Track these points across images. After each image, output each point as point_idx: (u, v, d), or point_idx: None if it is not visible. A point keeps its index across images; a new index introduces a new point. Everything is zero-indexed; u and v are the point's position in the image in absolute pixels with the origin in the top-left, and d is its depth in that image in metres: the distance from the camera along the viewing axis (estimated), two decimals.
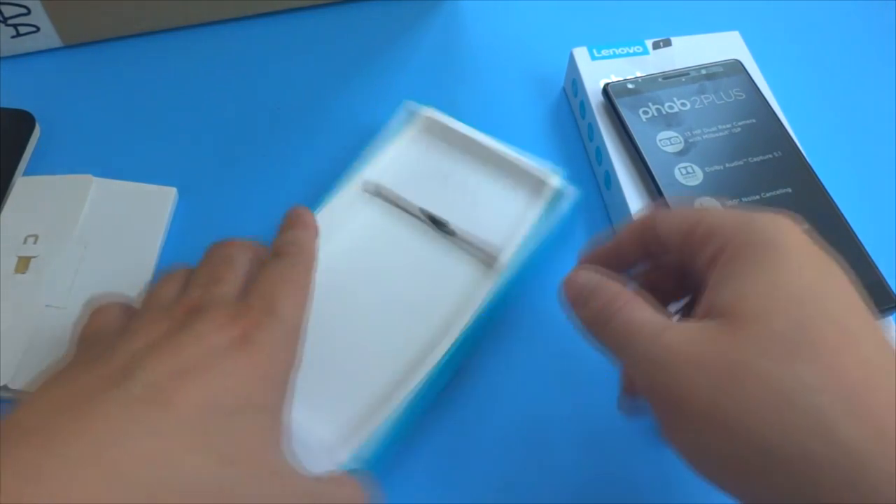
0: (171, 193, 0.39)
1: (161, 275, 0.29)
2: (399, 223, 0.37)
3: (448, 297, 0.34)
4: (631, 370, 0.24)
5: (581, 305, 0.26)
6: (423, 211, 0.36)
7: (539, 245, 0.35)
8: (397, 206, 0.37)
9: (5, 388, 0.32)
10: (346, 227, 0.36)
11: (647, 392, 0.24)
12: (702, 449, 0.22)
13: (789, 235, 0.23)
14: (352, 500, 0.26)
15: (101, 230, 0.37)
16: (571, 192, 0.37)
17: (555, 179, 0.37)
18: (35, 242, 0.36)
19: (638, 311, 0.24)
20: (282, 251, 0.29)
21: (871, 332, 0.22)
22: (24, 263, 0.35)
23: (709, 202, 0.36)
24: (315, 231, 0.31)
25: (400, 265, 0.35)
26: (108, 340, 0.25)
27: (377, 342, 0.33)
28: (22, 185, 0.38)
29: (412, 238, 0.36)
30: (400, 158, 0.38)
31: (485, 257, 0.35)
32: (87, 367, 0.23)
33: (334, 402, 0.31)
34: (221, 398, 0.22)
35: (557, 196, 0.37)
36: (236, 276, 0.27)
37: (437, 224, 0.36)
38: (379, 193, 0.38)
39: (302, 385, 0.27)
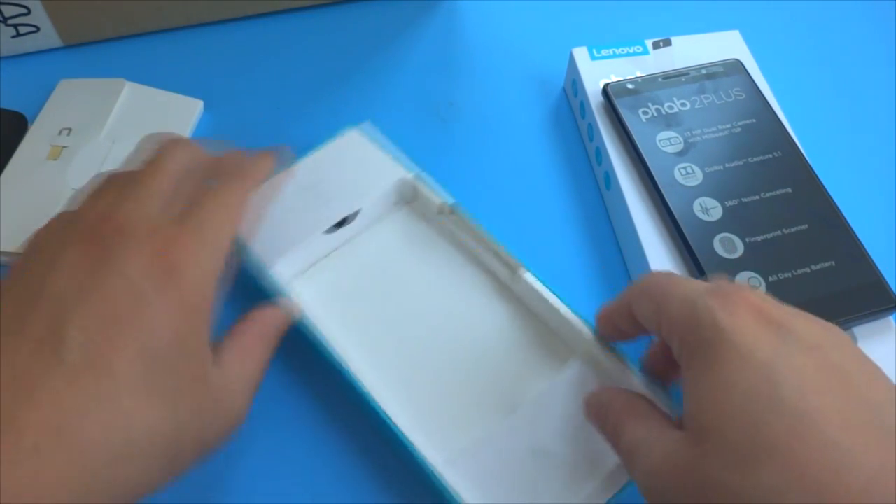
0: (197, 105, 0.43)
1: (101, 176, 0.28)
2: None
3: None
4: (637, 484, 0.25)
5: (600, 426, 0.28)
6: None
7: None
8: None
9: None
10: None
11: (649, 500, 0.24)
12: None
13: (735, 322, 0.22)
14: (256, 356, 0.28)
15: (129, 129, 0.41)
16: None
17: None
18: (68, 134, 0.40)
19: (636, 428, 0.25)
20: (229, 169, 0.30)
21: (830, 405, 0.20)
22: (56, 151, 0.39)
23: (709, 202, 0.36)
24: (271, 161, 0.32)
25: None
26: (35, 269, 0.24)
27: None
28: (62, 85, 0.43)
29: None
30: None
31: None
32: (17, 323, 0.23)
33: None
34: (154, 344, 0.23)
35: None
36: (169, 186, 0.28)
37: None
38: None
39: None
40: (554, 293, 0.33)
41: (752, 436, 0.20)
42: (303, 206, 0.36)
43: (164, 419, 0.23)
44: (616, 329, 0.30)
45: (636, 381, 0.30)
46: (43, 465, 0.20)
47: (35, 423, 0.21)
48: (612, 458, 0.28)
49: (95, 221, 0.25)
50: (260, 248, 0.35)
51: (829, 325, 0.24)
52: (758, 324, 0.22)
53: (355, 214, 0.36)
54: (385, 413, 0.30)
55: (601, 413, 0.27)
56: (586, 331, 0.32)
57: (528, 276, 0.34)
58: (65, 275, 0.24)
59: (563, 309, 0.32)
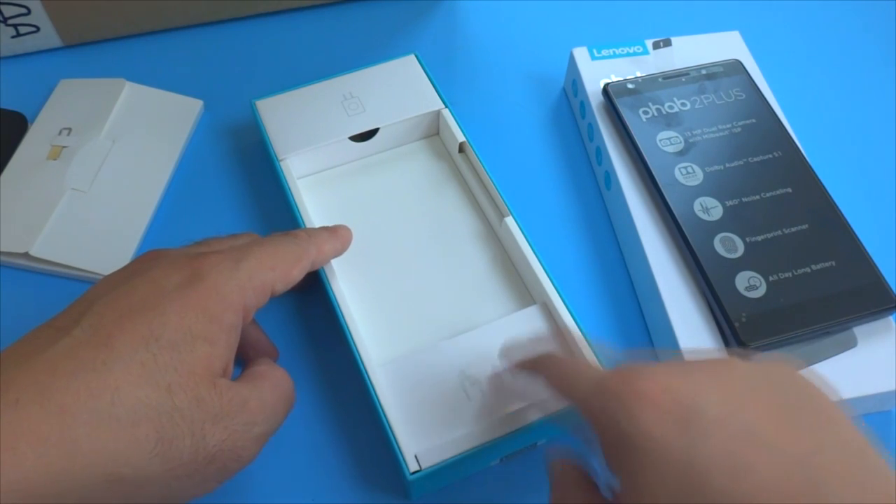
0: (197, 105, 0.43)
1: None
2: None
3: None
4: None
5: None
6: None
7: None
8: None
9: (27, 255, 0.36)
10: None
11: None
12: None
13: (640, 428, 0.21)
14: (283, 388, 0.28)
15: (129, 129, 0.41)
16: None
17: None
18: (68, 134, 0.40)
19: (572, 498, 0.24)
20: (293, 232, 0.31)
21: (760, 480, 0.19)
22: (56, 151, 0.39)
23: (709, 202, 0.36)
24: (341, 243, 0.33)
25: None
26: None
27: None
28: (62, 85, 0.43)
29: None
30: None
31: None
32: (52, 319, 0.25)
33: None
34: (160, 332, 0.24)
35: None
36: (227, 246, 0.29)
37: None
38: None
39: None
40: (531, 245, 0.35)
41: None
42: (335, 111, 0.39)
43: (156, 397, 0.23)
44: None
45: (582, 338, 0.32)
46: (20, 417, 0.21)
47: (22, 381, 0.22)
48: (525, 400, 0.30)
49: (152, 253, 0.28)
50: (280, 137, 0.38)
51: (721, 373, 0.22)
52: (663, 418, 0.21)
53: (376, 132, 0.39)
54: (340, 309, 0.33)
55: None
56: (548, 284, 0.34)
57: (512, 224, 0.36)
58: (105, 282, 0.26)
59: (533, 260, 0.34)
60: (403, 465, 0.29)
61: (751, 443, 0.20)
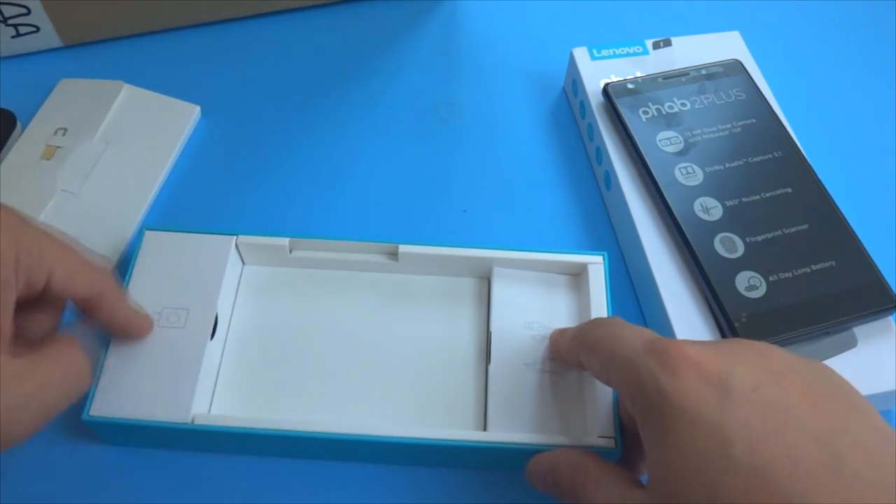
0: (193, 110, 0.43)
1: None
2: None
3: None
4: None
5: (552, 492, 0.27)
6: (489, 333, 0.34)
7: None
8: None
9: None
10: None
11: None
12: None
13: (677, 385, 0.23)
14: (73, 368, 0.26)
15: (124, 133, 0.41)
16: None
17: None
18: (63, 135, 0.40)
19: (596, 495, 0.25)
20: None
21: (779, 453, 0.21)
22: (50, 151, 0.39)
23: (709, 202, 0.36)
24: (137, 326, 0.31)
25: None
26: None
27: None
28: (62, 85, 0.43)
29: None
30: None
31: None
32: None
33: None
34: None
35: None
36: None
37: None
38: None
39: None
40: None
41: (711, 498, 0.21)
42: None
43: None
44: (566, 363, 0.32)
45: None
46: None
47: None
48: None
49: None
50: None
51: (763, 352, 0.24)
52: (699, 382, 0.22)
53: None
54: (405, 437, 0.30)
55: (548, 481, 0.27)
56: None
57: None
58: None
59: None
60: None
61: (779, 414, 0.21)
